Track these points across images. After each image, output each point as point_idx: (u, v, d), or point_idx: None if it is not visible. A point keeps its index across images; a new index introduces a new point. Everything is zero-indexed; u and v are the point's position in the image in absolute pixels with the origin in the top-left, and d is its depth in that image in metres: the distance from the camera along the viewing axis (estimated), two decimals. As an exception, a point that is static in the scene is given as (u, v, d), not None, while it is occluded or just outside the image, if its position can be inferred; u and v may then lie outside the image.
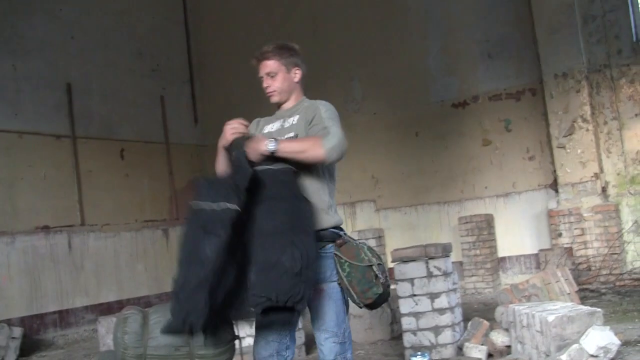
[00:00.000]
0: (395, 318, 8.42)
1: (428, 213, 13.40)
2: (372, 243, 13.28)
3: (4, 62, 11.93)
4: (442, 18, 13.32)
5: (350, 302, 4.22)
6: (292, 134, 4.27)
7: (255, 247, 3.84)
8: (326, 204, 4.24)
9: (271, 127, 4.43)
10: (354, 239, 4.21)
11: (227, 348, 4.00)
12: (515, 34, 12.55)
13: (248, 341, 6.52)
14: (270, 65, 4.33)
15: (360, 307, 4.18)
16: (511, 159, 12.62)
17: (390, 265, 7.60)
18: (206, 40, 15.99)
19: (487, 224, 12.42)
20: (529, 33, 12.25)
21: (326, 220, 4.20)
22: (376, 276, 4.04)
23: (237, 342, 4.09)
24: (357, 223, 14.05)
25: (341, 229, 4.29)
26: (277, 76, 4.35)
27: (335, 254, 4.13)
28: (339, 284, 4.13)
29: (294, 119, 4.34)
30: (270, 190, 3.93)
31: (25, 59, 12.22)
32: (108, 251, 13.21)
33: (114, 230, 13.37)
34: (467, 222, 12.48)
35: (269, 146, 3.97)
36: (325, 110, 4.26)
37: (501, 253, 12.65)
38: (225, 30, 15.51)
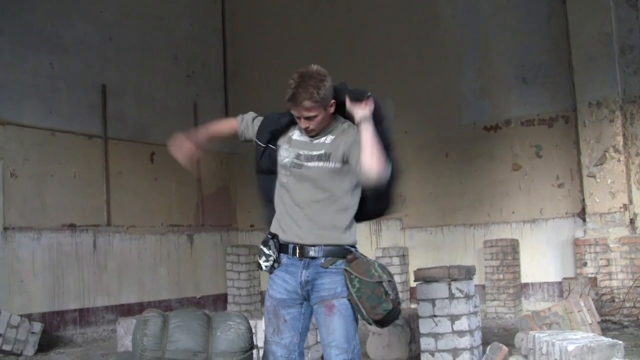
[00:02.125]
0: (414, 338, 8.38)
1: (453, 234, 13.36)
2: (395, 261, 13.27)
3: (42, 60, 12.05)
4: (479, 41, 13.30)
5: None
6: (321, 152, 4.31)
7: None
8: (347, 223, 4.27)
9: (298, 135, 4.46)
10: (364, 256, 4.23)
11: (245, 357, 4.02)
12: (551, 60, 12.50)
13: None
14: (309, 109, 4.26)
15: (370, 324, 4.21)
16: (540, 185, 12.55)
17: (413, 284, 7.59)
18: (242, 50, 16.05)
19: (512, 249, 12.35)
20: (565, 60, 12.21)
21: (343, 238, 4.23)
22: (386, 292, 4.06)
23: (254, 351, 4.10)
24: (381, 241, 14.02)
25: (353, 246, 4.30)
26: (317, 118, 4.31)
27: (345, 269, 4.15)
28: (349, 299, 4.14)
29: (327, 139, 4.36)
30: None
31: (63, 58, 12.34)
32: (132, 253, 13.27)
33: (139, 233, 13.44)
34: (492, 246, 12.43)
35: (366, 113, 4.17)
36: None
37: (524, 279, 12.57)
38: (262, 41, 15.57)
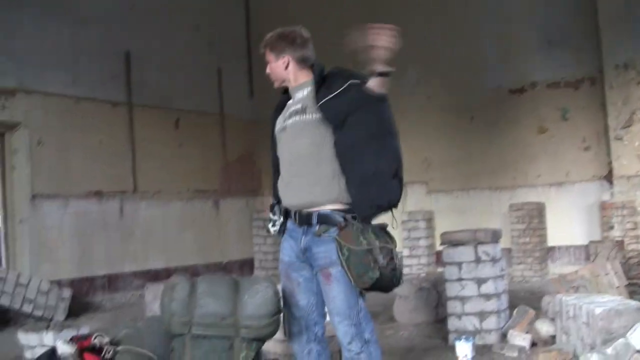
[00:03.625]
0: (440, 301, 8.40)
1: (479, 198, 13.32)
2: (421, 225, 13.28)
3: (65, 28, 12.06)
4: (503, 3, 13.17)
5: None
6: (297, 107, 4.42)
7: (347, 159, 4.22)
8: (331, 175, 4.27)
9: (289, 104, 4.58)
10: (358, 223, 4.20)
11: (273, 320, 4.03)
12: (577, 22, 12.37)
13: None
14: (263, 54, 4.60)
15: (362, 293, 4.21)
16: (566, 149, 12.48)
17: (439, 248, 7.58)
18: (265, 15, 15.95)
19: (538, 212, 12.31)
20: (591, 22, 12.07)
21: (330, 192, 4.27)
22: (375, 260, 4.04)
23: (281, 315, 4.12)
24: (407, 204, 13.99)
25: (349, 212, 4.27)
26: (270, 65, 4.57)
27: (335, 238, 4.14)
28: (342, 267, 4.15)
29: (303, 92, 4.48)
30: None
31: (85, 26, 12.33)
32: (158, 219, 13.35)
33: (165, 199, 13.51)
34: (518, 210, 12.39)
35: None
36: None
37: (551, 242, 12.53)
38: (285, 6, 15.48)
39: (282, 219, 4.48)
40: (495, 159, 13.14)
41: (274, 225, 4.54)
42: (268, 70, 4.59)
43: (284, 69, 4.50)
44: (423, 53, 13.69)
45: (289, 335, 4.52)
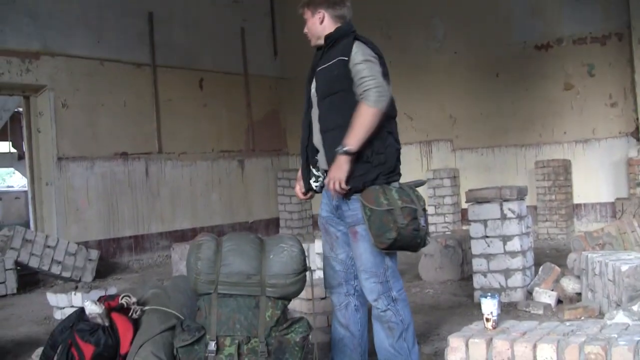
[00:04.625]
0: (466, 259, 8.41)
1: (505, 155, 13.24)
2: (446, 183, 13.26)
3: (89, -11, 12.07)
4: (529, -44, 13.00)
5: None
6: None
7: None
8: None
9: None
10: (382, 184, 4.22)
11: (298, 279, 4.06)
12: (604, -24, 12.20)
13: (318, 274, 6.61)
14: (301, 13, 4.64)
15: (389, 252, 4.27)
16: (592, 105, 12.35)
17: (464, 206, 7.57)
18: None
19: (564, 169, 12.23)
20: (618, -26, 11.90)
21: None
22: (394, 221, 4.05)
23: (307, 273, 4.14)
24: (432, 162, 13.96)
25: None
26: (308, 23, 4.60)
27: (359, 197, 4.18)
28: None
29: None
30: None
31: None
32: (184, 179, 13.40)
33: (190, 159, 13.55)
34: (543, 167, 12.32)
35: (348, 151, 4.18)
36: (356, 55, 4.30)
37: (577, 200, 12.48)
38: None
39: (323, 174, 4.51)
40: (521, 116, 13.03)
41: (316, 180, 4.59)
42: (305, 29, 4.62)
43: (319, 24, 4.52)
44: (449, 8, 13.59)
45: (328, 288, 4.60)
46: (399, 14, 13.91)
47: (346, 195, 4.29)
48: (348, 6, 4.56)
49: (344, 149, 4.14)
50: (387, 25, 13.85)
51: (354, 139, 4.14)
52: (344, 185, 4.17)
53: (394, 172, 4.35)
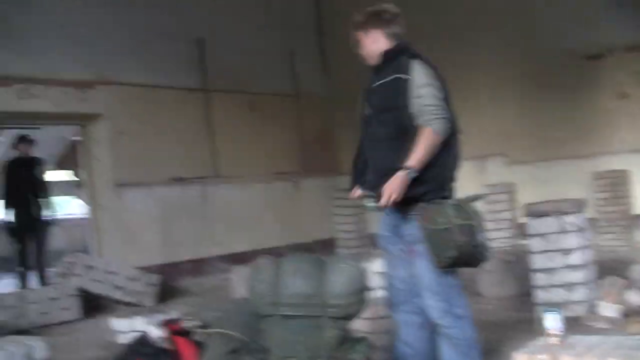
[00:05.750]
0: (526, 274, 8.32)
1: (560, 168, 13.06)
2: (502, 198, 13.12)
3: (139, 17, 12.27)
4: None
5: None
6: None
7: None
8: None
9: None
10: (440, 200, 4.21)
11: (359, 298, 4.05)
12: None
13: (378, 292, 6.58)
14: (354, 35, 4.67)
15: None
16: (648, 114, 12.17)
17: (522, 220, 7.50)
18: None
19: (622, 180, 12.05)
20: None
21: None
22: (453, 240, 4.03)
23: (367, 292, 4.15)
24: (487, 177, 13.85)
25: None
26: (361, 42, 4.64)
27: (416, 216, 4.18)
28: None
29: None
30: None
31: (158, 14, 12.53)
32: (239, 202, 13.49)
33: (245, 182, 13.63)
34: (601, 178, 12.15)
35: (410, 175, 4.19)
36: (418, 77, 4.30)
37: (638, 210, 12.27)
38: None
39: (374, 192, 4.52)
40: (575, 127, 12.87)
41: (371, 201, 4.57)
42: (360, 50, 4.64)
43: (373, 43, 4.54)
44: (498, 19, 13.50)
45: (390, 307, 4.60)
46: (454, 26, 13.85)
47: (403, 214, 4.28)
48: (401, 23, 4.58)
49: (407, 169, 4.15)
50: (436, 40, 13.81)
51: (416, 160, 4.15)
52: (396, 198, 4.17)
53: (446, 188, 4.35)
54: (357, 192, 4.76)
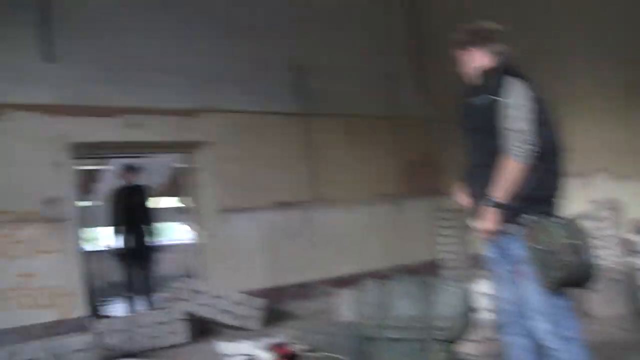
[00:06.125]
0: (635, 292, 8.14)
1: (669, 181, 12.72)
2: (608, 214, 12.83)
3: (242, 47, 12.51)
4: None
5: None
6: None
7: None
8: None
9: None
10: (545, 219, 4.15)
11: (465, 320, 4.05)
12: None
13: (483, 314, 6.53)
14: (452, 52, 4.77)
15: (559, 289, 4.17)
16: None
17: (629, 237, 7.35)
18: (434, 10, 15.86)
19: None
20: None
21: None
22: (559, 260, 3.96)
23: (473, 314, 4.14)
24: (590, 194, 13.56)
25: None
26: (460, 59, 4.71)
27: (521, 236, 4.14)
28: None
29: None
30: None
31: (258, 42, 12.77)
32: (342, 225, 13.54)
33: (347, 205, 13.68)
34: None
35: (496, 204, 4.25)
36: (507, 97, 4.27)
37: None
38: (453, 3, 15.33)
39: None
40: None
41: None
42: (461, 69, 4.71)
43: (472, 63, 4.60)
44: (592, 36, 13.23)
45: (498, 328, 4.57)
46: (544, 43, 13.66)
47: (507, 234, 4.26)
48: (500, 40, 4.56)
49: (492, 202, 4.15)
50: (534, 57, 13.65)
51: (501, 191, 4.14)
52: (492, 231, 4.17)
53: (544, 206, 4.30)
54: (465, 200, 4.73)
